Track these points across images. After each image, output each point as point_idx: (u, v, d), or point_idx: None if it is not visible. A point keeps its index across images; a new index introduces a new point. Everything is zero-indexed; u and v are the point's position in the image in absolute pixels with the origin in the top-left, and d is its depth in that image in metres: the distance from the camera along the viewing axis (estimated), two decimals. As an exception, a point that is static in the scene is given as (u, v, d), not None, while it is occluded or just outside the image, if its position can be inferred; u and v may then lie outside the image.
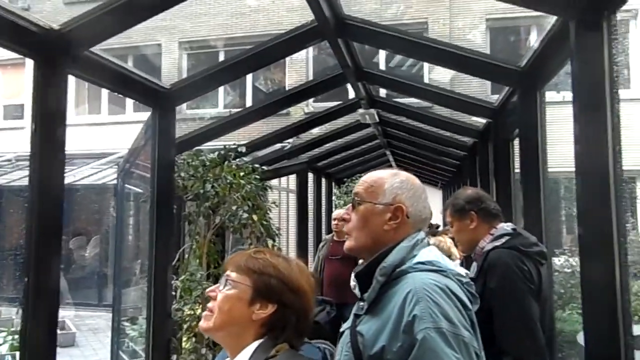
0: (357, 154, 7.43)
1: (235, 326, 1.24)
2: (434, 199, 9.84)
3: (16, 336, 6.98)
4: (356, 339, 1.33)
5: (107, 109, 13.13)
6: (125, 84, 2.59)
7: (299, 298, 1.27)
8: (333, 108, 4.62)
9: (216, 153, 3.81)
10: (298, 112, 9.56)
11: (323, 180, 7.83)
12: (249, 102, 12.08)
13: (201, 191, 3.76)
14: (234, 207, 3.62)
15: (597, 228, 1.52)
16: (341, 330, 1.50)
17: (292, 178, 8.03)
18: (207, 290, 1.33)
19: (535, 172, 2.53)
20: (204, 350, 3.46)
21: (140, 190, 5.17)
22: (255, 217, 3.70)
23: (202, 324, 1.28)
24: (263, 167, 4.12)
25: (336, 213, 5.51)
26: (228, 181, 3.83)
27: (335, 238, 5.36)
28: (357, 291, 1.45)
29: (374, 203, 1.43)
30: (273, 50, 2.87)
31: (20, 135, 13.08)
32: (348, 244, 1.47)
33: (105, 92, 13.18)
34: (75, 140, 13.39)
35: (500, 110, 3.29)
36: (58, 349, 6.66)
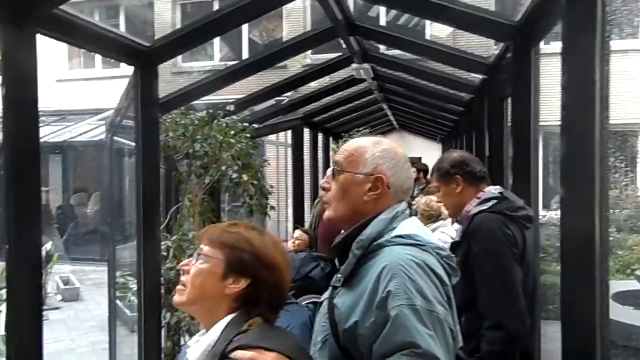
0: (355, 109, 7.31)
1: (208, 301, 1.23)
2: (434, 153, 9.78)
3: None
4: (333, 311, 1.32)
5: (101, 62, 12.87)
6: (102, 43, 2.48)
7: (273, 273, 1.25)
8: (328, 62, 4.49)
9: (205, 112, 3.73)
10: (296, 65, 9.35)
11: (320, 135, 7.75)
12: (245, 55, 11.82)
13: (191, 151, 3.71)
14: (223, 168, 3.58)
15: (579, 180, 1.47)
16: (320, 300, 1.49)
17: (290, 132, 7.95)
18: (181, 264, 1.31)
19: (527, 132, 2.45)
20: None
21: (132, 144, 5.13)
22: (245, 177, 3.66)
23: (176, 298, 1.27)
24: (254, 125, 4.05)
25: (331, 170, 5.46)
26: (219, 140, 3.77)
27: (330, 195, 5.33)
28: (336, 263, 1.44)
29: (354, 173, 1.38)
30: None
31: None
32: (327, 214, 1.43)
33: (99, 46, 12.89)
34: (70, 97, 13.26)
35: (496, 66, 3.18)
36: (63, 304, 6.85)
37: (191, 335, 3.52)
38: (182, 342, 3.70)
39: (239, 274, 1.21)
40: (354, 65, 4.39)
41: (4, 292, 7.33)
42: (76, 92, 12.54)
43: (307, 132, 6.98)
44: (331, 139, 8.60)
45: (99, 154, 11.75)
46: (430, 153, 9.70)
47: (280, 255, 1.28)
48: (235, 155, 3.67)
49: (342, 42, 3.81)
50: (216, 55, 12.25)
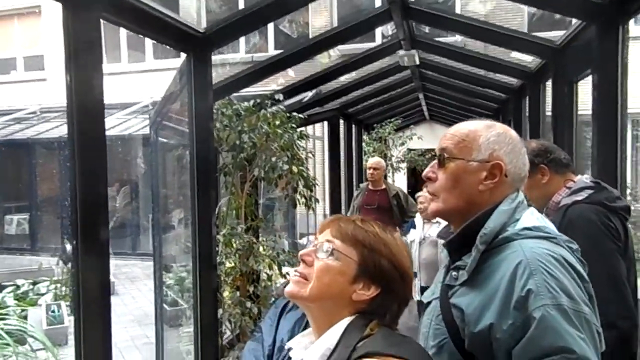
0: (389, 99, 7.13)
1: (330, 300, 1.09)
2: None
3: (59, 285, 7.19)
4: (450, 312, 1.19)
5: (126, 57, 12.87)
6: (159, 29, 2.38)
7: (406, 284, 1.12)
8: (371, 50, 4.33)
9: (251, 101, 3.61)
10: (324, 55, 9.18)
11: (353, 126, 7.60)
12: (271, 47, 11.69)
13: (237, 142, 3.60)
14: (273, 158, 3.46)
15: None
16: (425, 300, 1.36)
17: (318, 125, 7.82)
18: (302, 252, 1.16)
19: (612, 117, 2.28)
20: (248, 304, 3.42)
21: (171, 141, 5.06)
22: (295, 169, 3.54)
23: (292, 288, 1.11)
24: (299, 114, 3.92)
25: (372, 162, 5.33)
26: (264, 130, 3.65)
27: (370, 187, 5.22)
28: (445, 260, 1.31)
29: (467, 160, 1.24)
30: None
31: (42, 86, 13.02)
32: (435, 206, 1.29)
33: (124, 40, 12.89)
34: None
35: (564, 48, 2.99)
36: (98, 298, 6.66)
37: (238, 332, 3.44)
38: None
39: (370, 279, 1.08)
40: (401, 52, 4.22)
41: (42, 287, 7.37)
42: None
43: (341, 123, 6.84)
44: (363, 130, 8.45)
45: (126, 148, 11.79)
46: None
47: (408, 261, 1.15)
48: (283, 146, 3.55)
49: (384, 28, 3.65)
50: (241, 47, 12.11)
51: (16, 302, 6.77)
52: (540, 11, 8.28)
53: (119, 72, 12.73)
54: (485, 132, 1.26)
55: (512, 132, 1.30)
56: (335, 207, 6.32)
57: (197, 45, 2.67)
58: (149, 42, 12.39)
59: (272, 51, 11.46)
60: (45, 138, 11.32)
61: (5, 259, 10.08)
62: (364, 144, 8.44)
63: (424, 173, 1.35)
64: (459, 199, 1.25)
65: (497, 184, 1.23)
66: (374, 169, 5.16)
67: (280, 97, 3.69)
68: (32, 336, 4.71)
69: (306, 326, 2.59)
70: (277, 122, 3.80)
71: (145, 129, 10.53)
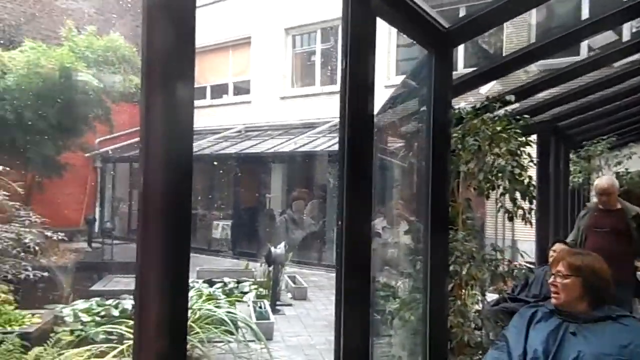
0: (608, 112, 6.31)
1: None
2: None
3: (258, 287, 7.84)
4: None
5: (319, 80, 13.78)
6: (413, 22, 2.39)
7: None
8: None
9: (477, 104, 3.47)
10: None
11: (562, 143, 6.90)
12: (460, 65, 11.40)
13: (459, 146, 3.47)
14: (502, 162, 3.25)
15: None
16: None
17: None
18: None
19: None
20: (471, 314, 3.23)
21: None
22: (523, 173, 3.27)
23: None
24: (527, 117, 3.64)
25: (603, 183, 4.68)
26: (487, 134, 3.47)
27: (600, 207, 4.61)
28: None
29: None
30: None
31: (247, 108, 14.63)
32: None
33: (318, 65, 13.84)
34: (291, 112, 14.43)
35: None
36: (293, 301, 7.17)
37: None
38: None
39: None
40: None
41: (245, 285, 8.05)
42: (297, 107, 13.63)
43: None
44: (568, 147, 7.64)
45: (314, 164, 12.53)
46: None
47: None
48: (512, 151, 3.31)
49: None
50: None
51: (225, 297, 7.54)
52: None
53: (312, 94, 13.69)
54: None
55: None
56: (543, 230, 5.75)
57: (440, 41, 2.63)
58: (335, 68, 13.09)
59: (461, 69, 11.17)
60: (244, 153, 12.64)
61: (212, 260, 11.39)
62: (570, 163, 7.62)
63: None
64: None
65: None
66: (607, 194, 4.54)
67: (512, 98, 3.47)
68: (249, 326, 5.13)
69: (561, 338, 2.28)
70: (499, 128, 3.59)
71: (333, 145, 11.12)
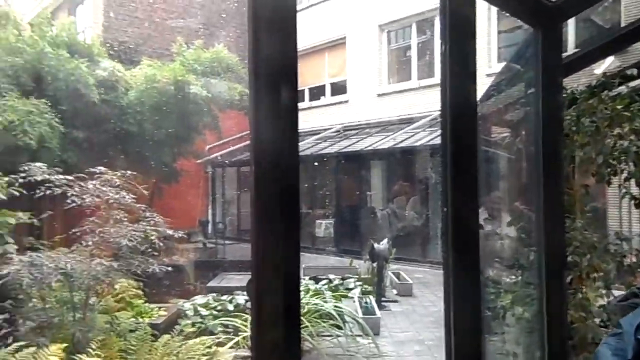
0: None
1: None
2: None
3: (364, 284, 7.89)
4: None
5: (416, 74, 13.53)
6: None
7: None
8: None
9: (594, 82, 3.20)
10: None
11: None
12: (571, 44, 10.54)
13: (573, 128, 3.23)
14: (625, 143, 2.97)
15: None
16: None
17: None
18: None
19: None
20: (595, 308, 2.99)
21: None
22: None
23: None
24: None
25: None
26: (606, 114, 3.18)
27: None
28: None
29: None
30: None
31: (344, 108, 14.78)
32: None
33: (415, 58, 13.61)
34: (388, 108, 14.28)
35: None
36: (399, 297, 7.11)
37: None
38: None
39: None
40: None
41: (350, 282, 8.14)
42: (394, 103, 13.51)
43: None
44: None
45: (413, 159, 12.32)
46: None
47: None
48: (637, 130, 3.01)
49: None
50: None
51: (330, 293, 7.70)
52: None
53: (409, 88, 13.49)
54: None
55: None
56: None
57: (546, 16, 2.46)
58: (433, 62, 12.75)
59: (572, 50, 10.29)
60: (344, 152, 12.77)
61: (316, 258, 11.68)
62: None
63: None
64: None
65: None
66: None
67: (635, 72, 3.16)
68: (356, 320, 5.19)
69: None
70: (620, 107, 3.28)
71: (433, 140, 10.83)
